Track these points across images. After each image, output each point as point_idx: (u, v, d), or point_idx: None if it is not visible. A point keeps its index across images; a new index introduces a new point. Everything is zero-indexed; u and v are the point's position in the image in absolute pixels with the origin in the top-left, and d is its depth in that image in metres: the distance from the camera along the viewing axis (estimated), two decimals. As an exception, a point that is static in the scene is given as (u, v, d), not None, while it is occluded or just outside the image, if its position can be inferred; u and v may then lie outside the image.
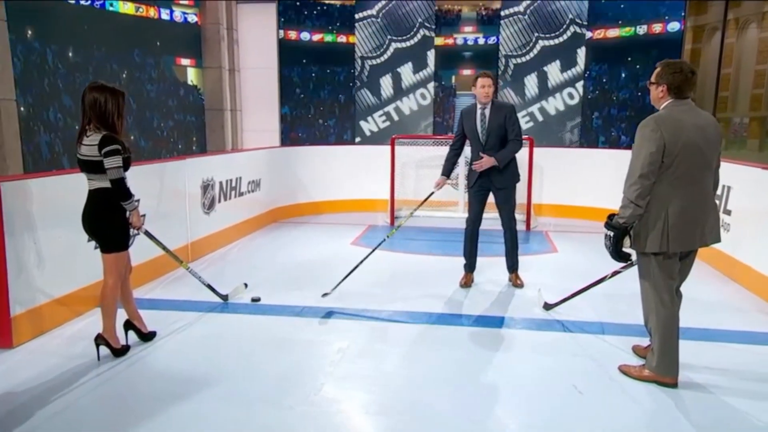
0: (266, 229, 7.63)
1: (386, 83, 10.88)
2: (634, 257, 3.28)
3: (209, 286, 4.53)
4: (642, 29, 10.16)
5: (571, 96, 10.37)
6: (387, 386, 3.24)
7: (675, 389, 3.16)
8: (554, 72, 10.42)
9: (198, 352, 3.68)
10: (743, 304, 4.70)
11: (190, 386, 3.21)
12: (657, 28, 10.01)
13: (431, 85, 10.84)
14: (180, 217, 5.64)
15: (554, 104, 10.42)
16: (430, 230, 7.71)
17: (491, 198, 5.02)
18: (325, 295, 4.59)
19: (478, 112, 4.87)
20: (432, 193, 5.13)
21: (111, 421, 2.89)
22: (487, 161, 4.77)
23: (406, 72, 10.83)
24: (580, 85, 10.28)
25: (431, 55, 10.77)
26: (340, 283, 4.74)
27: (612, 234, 3.14)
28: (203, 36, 9.95)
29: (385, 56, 10.84)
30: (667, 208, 3.02)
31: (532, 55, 10.43)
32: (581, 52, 10.24)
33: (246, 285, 4.85)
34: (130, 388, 3.20)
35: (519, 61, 10.48)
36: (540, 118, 10.49)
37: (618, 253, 3.17)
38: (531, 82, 10.47)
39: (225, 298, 4.60)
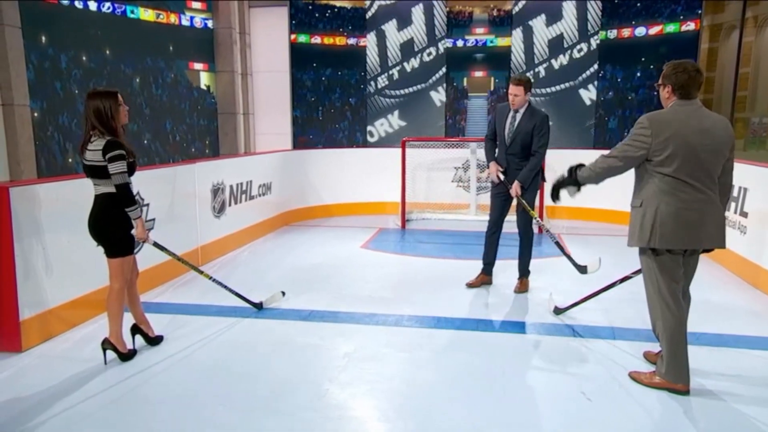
0: (277, 233, 7.64)
1: (371, 40, 10.75)
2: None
3: (238, 295, 4.41)
4: (656, 29, 10.03)
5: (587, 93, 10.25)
6: (393, 391, 3.21)
7: (686, 396, 3.09)
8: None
9: (204, 356, 3.68)
10: (760, 308, 4.59)
11: (195, 390, 3.21)
12: (672, 27, 9.87)
13: (443, 87, 10.81)
14: (190, 220, 5.67)
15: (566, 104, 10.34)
16: (441, 233, 7.66)
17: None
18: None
19: (510, 113, 4.81)
20: (494, 181, 4.94)
21: (116, 424, 2.89)
22: (514, 190, 4.73)
23: (391, 29, 10.75)
24: (593, 86, 10.17)
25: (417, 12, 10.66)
26: None
27: (566, 174, 3.38)
28: (216, 40, 10.02)
29: (370, 12, 10.74)
30: (659, 206, 3.00)
31: None
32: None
33: (283, 293, 4.73)
34: (135, 393, 3.20)
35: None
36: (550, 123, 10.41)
37: (555, 190, 3.47)
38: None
39: (259, 306, 4.50)
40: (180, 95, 9.53)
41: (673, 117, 3.00)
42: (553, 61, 10.34)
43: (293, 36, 10.86)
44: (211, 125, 10.15)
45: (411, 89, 10.89)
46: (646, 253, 3.12)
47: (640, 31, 10.05)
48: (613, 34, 10.26)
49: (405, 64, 10.86)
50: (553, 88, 10.32)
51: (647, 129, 2.97)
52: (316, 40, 11.00)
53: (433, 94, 10.92)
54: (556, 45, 10.23)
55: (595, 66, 10.10)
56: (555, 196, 3.50)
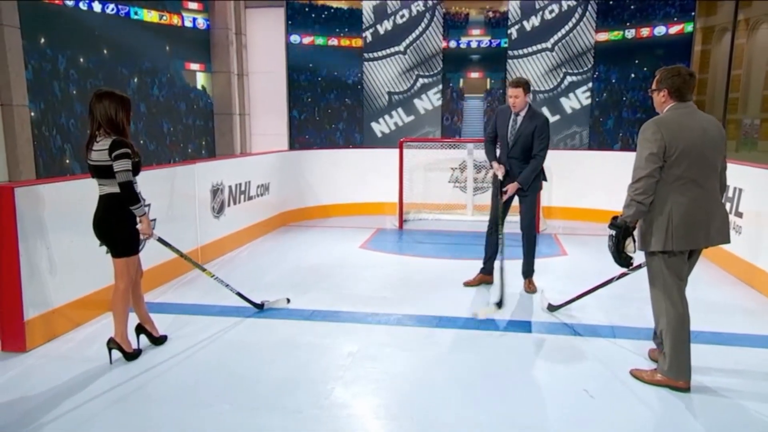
0: (275, 233, 7.66)
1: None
2: (635, 262, 3.28)
3: (240, 295, 4.42)
4: (676, 28, 10.03)
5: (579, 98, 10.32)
6: (397, 390, 3.24)
7: (687, 393, 3.13)
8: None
9: (207, 355, 3.70)
10: (756, 306, 4.66)
11: (199, 390, 3.23)
12: (665, 30, 9.91)
13: (439, 88, 10.83)
14: (190, 221, 5.68)
15: (568, 104, 10.39)
16: (439, 233, 7.71)
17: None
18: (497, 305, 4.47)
19: (512, 116, 4.82)
20: (497, 177, 4.93)
21: (122, 423, 2.90)
22: (511, 189, 4.75)
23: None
24: (587, 87, 10.24)
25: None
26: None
27: (614, 233, 3.17)
28: (212, 41, 10.01)
29: None
30: (672, 208, 3.04)
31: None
32: None
33: (288, 300, 4.69)
34: (140, 392, 3.22)
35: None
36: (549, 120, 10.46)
37: (619, 253, 3.18)
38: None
39: (260, 306, 4.50)
40: (176, 95, 9.52)
41: (676, 119, 3.07)
42: (525, 22, 10.34)
43: (311, 38, 10.87)
44: (207, 126, 10.14)
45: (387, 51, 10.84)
46: (656, 254, 3.15)
47: (660, 30, 10.04)
48: (631, 33, 10.28)
49: (378, 27, 10.79)
50: (527, 49, 10.34)
51: (657, 132, 3.01)
52: (333, 42, 10.97)
53: (432, 92, 10.91)
54: (529, 6, 10.23)
55: (590, 65, 10.16)
56: (621, 258, 3.20)
